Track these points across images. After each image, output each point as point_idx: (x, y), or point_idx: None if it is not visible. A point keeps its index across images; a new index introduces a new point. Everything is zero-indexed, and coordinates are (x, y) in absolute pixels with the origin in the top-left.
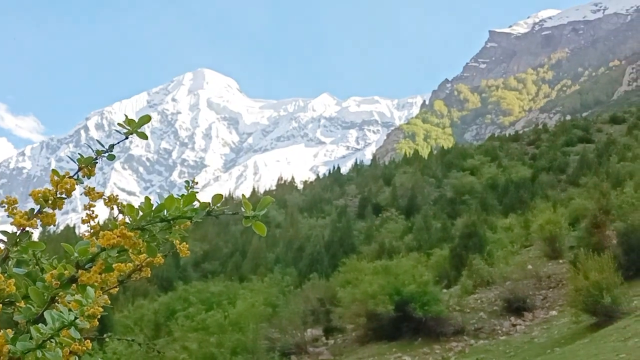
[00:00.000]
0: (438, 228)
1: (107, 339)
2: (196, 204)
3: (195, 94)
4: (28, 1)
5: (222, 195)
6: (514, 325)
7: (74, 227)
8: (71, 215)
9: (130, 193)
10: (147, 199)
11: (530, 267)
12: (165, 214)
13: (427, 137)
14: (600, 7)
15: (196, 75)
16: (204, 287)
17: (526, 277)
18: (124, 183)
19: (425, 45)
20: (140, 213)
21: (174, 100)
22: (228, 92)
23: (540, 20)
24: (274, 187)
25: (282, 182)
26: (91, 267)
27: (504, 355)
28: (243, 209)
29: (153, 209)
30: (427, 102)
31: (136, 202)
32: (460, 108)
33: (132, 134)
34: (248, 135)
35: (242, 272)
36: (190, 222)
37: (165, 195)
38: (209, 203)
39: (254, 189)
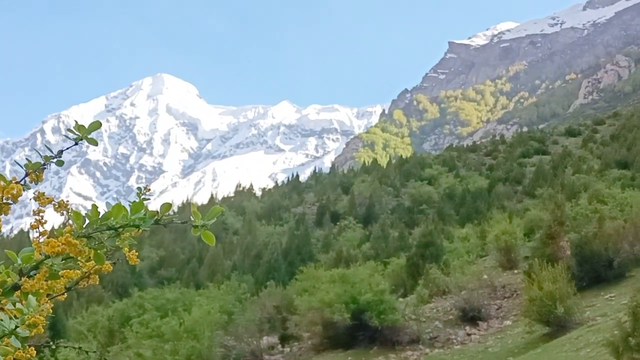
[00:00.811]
0: (395, 237)
1: (59, 346)
2: (144, 213)
3: (154, 99)
4: None
5: (170, 204)
6: (469, 335)
7: (28, 232)
8: (25, 220)
9: (86, 198)
10: (94, 206)
11: (485, 276)
12: (112, 222)
13: (386, 146)
14: (558, 21)
15: (155, 80)
16: (160, 293)
17: (481, 286)
18: (80, 187)
19: (385, 55)
20: (87, 221)
21: (132, 105)
22: (187, 98)
23: (499, 33)
24: (232, 194)
25: (241, 188)
26: (36, 274)
27: None
28: (192, 218)
29: (100, 216)
30: (386, 112)
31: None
32: (419, 118)
33: (81, 139)
34: (207, 142)
35: (198, 279)
36: (139, 230)
37: (122, 201)
38: (157, 212)
39: (212, 195)
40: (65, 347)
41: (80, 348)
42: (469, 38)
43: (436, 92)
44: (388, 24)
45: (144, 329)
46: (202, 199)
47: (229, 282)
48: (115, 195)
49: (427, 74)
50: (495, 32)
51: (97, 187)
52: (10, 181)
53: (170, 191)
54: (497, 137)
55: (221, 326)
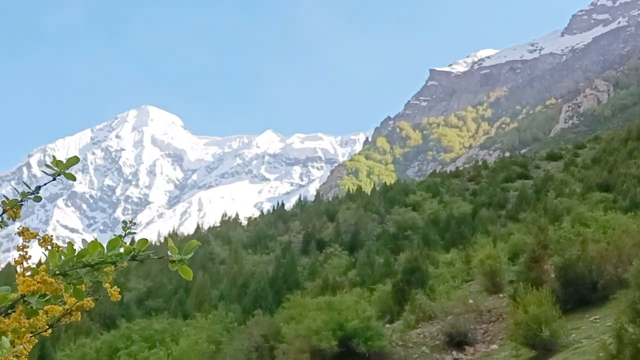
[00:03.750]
0: (381, 263)
1: None
2: (122, 249)
3: (139, 131)
4: None
5: (147, 240)
6: (456, 359)
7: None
8: (12, 253)
9: (73, 230)
10: (70, 244)
11: (471, 301)
12: (88, 259)
13: (370, 174)
14: (537, 47)
15: (140, 112)
16: (147, 324)
17: (467, 311)
18: (67, 220)
19: (367, 83)
20: (63, 258)
21: (117, 137)
22: (172, 129)
23: (479, 60)
24: (218, 224)
25: (227, 218)
26: (12, 312)
27: None
28: (169, 253)
29: (76, 254)
30: (369, 139)
31: (78, 238)
32: (403, 145)
33: (59, 175)
34: (192, 172)
35: (186, 309)
36: (115, 266)
37: (109, 233)
38: (134, 248)
39: (198, 225)
40: None
41: None
42: (450, 65)
43: (418, 119)
44: (369, 53)
45: None
46: (188, 229)
47: (216, 311)
48: (102, 227)
49: (409, 101)
50: (476, 59)
51: (83, 219)
52: None
53: (157, 222)
54: (480, 163)
55: (209, 356)
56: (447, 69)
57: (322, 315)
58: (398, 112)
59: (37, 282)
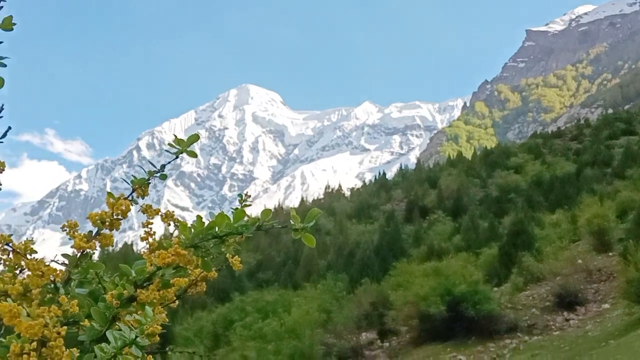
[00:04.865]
0: (485, 227)
1: (169, 352)
2: (246, 219)
3: (240, 109)
4: (72, 28)
5: (270, 210)
6: (567, 320)
7: (132, 244)
8: (128, 233)
9: (183, 209)
10: (199, 217)
11: (580, 261)
12: (216, 230)
13: (469, 139)
14: (636, 0)
15: (240, 91)
16: (259, 296)
17: (576, 271)
18: (177, 199)
19: (462, 48)
20: (193, 231)
21: (220, 116)
22: (272, 106)
23: (577, 17)
24: (321, 196)
25: (330, 190)
26: (149, 285)
27: (559, 350)
28: (292, 222)
29: (205, 226)
30: (468, 104)
31: (189, 217)
32: (502, 108)
33: (182, 153)
34: (294, 147)
35: (295, 280)
36: (242, 236)
37: (217, 209)
38: (259, 218)
39: (302, 198)
40: (180, 351)
41: (194, 353)
42: (547, 24)
43: (517, 80)
44: (462, 17)
45: (247, 332)
46: (293, 202)
47: (324, 281)
48: (210, 205)
49: (506, 63)
50: (573, 17)
51: (192, 197)
52: (119, 198)
53: (262, 197)
54: (582, 121)
55: (320, 325)
56: (544, 28)
57: (429, 281)
58: (495, 75)
59: (172, 255)
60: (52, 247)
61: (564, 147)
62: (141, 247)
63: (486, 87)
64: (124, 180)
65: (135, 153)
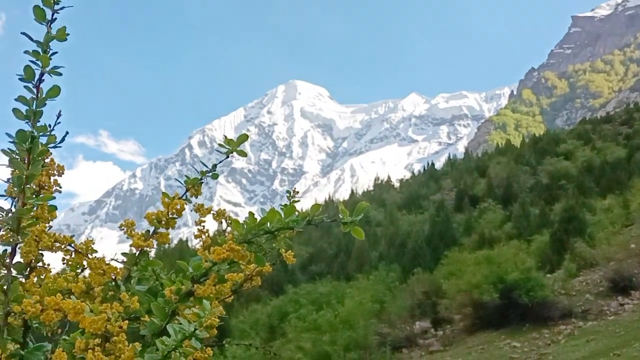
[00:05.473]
0: (536, 214)
1: (226, 345)
2: (296, 215)
3: (289, 105)
4: (125, 31)
5: (320, 205)
6: (622, 305)
7: (186, 241)
8: (183, 230)
9: (235, 204)
10: (251, 213)
11: (633, 245)
12: (268, 226)
13: (517, 127)
14: None
15: (288, 87)
16: (313, 288)
17: (630, 256)
18: (229, 195)
19: (507, 36)
20: (246, 227)
21: (269, 112)
22: (320, 101)
23: (623, 1)
24: (371, 188)
25: (379, 182)
26: (205, 280)
27: (614, 335)
28: (340, 215)
29: (257, 222)
30: (515, 92)
31: (242, 212)
32: (549, 95)
33: (232, 152)
34: (342, 140)
35: (347, 272)
36: (293, 231)
37: (268, 204)
38: (309, 212)
39: (352, 190)
40: (237, 344)
41: (250, 345)
42: (592, 10)
43: (563, 67)
44: (508, 4)
45: (302, 323)
46: (343, 194)
47: (377, 272)
48: (262, 200)
49: (552, 50)
50: (619, 1)
51: (244, 193)
52: (174, 197)
53: (312, 190)
54: (632, 105)
55: (374, 315)
56: (590, 13)
57: (481, 269)
58: (542, 62)
59: (226, 251)
60: (110, 245)
61: (614, 132)
62: (195, 243)
63: (533, 75)
64: (177, 180)
65: (187, 151)
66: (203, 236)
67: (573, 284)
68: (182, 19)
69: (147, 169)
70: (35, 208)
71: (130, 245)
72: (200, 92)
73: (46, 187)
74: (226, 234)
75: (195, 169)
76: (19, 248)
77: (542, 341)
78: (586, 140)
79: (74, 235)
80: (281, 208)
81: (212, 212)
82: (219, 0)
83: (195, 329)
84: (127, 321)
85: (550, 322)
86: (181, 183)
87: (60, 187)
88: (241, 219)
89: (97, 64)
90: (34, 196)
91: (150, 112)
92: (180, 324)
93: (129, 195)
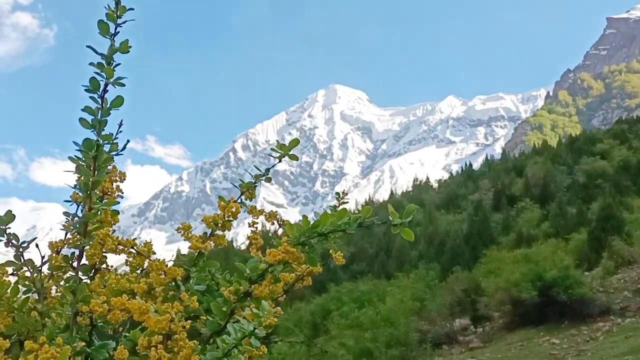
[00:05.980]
0: (573, 213)
1: (273, 342)
2: (347, 217)
3: (329, 109)
4: (169, 39)
5: (370, 208)
6: None
7: (232, 241)
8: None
9: (278, 206)
10: (305, 217)
11: None
12: (321, 228)
13: (554, 127)
14: None
15: (328, 91)
16: (354, 286)
17: None
18: (272, 197)
19: (543, 38)
20: (299, 230)
21: (310, 116)
22: (359, 104)
23: None
24: (410, 188)
25: (418, 182)
26: (262, 281)
27: None
28: (390, 217)
29: (310, 225)
30: (551, 94)
31: (284, 213)
32: (585, 96)
33: (284, 157)
34: (382, 142)
35: (388, 271)
36: (344, 232)
37: (310, 205)
38: (359, 215)
39: (391, 191)
40: (283, 341)
41: (296, 342)
42: (627, 11)
43: (599, 68)
44: (542, 7)
45: (344, 320)
46: (383, 195)
47: (417, 271)
48: (304, 201)
49: (588, 51)
50: None
51: (286, 194)
52: (229, 201)
53: (353, 192)
54: None
55: (414, 312)
56: (625, 15)
57: (520, 267)
58: (577, 63)
59: (281, 252)
60: (158, 246)
61: None
62: (240, 243)
63: (569, 76)
64: (232, 183)
65: (231, 154)
66: (256, 238)
67: (611, 281)
68: (226, 27)
69: (193, 172)
70: (99, 213)
71: (189, 247)
72: (243, 97)
73: (109, 193)
74: (282, 237)
75: (249, 173)
76: (84, 251)
77: (580, 338)
78: (622, 139)
79: (136, 239)
80: (331, 210)
81: (264, 213)
82: (261, 9)
83: (255, 328)
84: (189, 320)
85: (588, 319)
86: (236, 187)
87: (122, 193)
88: (292, 222)
89: (144, 72)
90: (98, 201)
91: (196, 117)
92: (241, 323)
93: (176, 198)
